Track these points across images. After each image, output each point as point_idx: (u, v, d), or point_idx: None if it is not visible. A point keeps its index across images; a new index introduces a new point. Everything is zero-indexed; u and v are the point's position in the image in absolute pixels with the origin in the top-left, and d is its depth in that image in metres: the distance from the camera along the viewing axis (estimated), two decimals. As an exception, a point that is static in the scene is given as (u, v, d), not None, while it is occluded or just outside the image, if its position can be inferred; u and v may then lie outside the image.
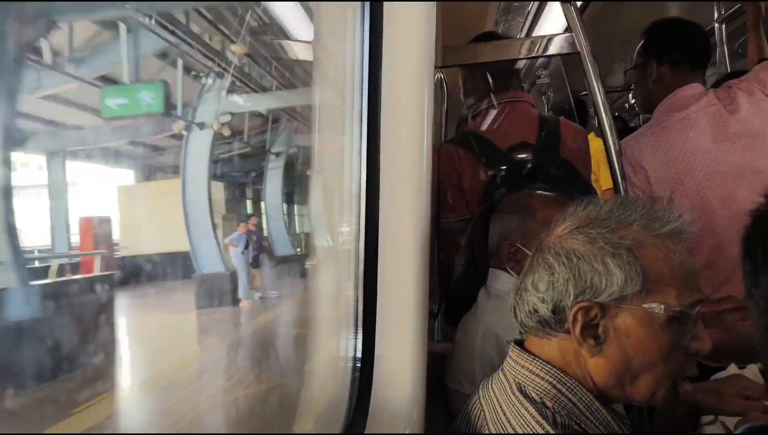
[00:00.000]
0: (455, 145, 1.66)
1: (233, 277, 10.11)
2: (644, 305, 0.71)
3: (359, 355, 0.81)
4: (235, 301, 9.98)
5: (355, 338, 0.82)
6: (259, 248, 10.79)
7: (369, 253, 0.83)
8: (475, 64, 1.65)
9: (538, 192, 1.29)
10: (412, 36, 0.86)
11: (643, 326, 0.71)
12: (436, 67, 1.22)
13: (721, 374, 1.06)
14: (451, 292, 1.73)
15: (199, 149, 10.08)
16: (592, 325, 0.73)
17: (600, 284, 0.72)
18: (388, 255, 0.83)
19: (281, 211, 15.70)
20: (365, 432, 0.75)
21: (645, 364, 0.73)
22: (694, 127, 1.50)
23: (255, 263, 10.59)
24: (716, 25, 2.58)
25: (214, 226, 10.12)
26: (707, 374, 1.06)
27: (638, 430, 1.31)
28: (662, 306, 0.70)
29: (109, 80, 8.28)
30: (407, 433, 0.76)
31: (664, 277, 0.72)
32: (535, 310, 0.77)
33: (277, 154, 15.10)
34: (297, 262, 14.87)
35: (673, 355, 0.73)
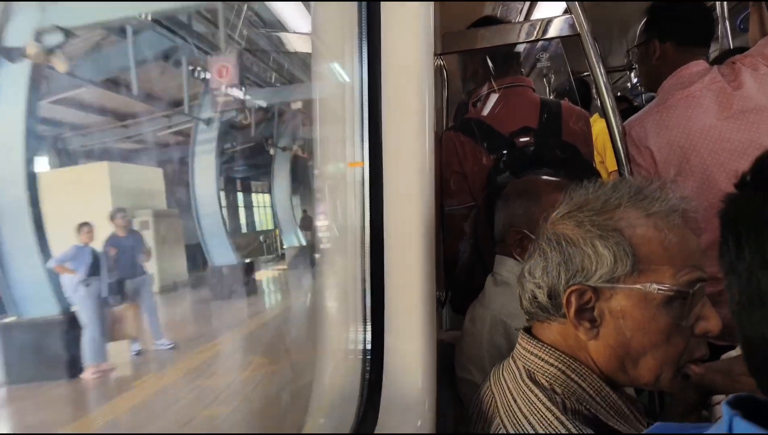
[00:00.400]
0: (456, 131, 1.65)
1: (72, 323, 5.53)
2: (637, 285, 0.70)
3: (368, 347, 0.82)
4: (75, 371, 5.34)
5: (364, 331, 0.82)
6: (128, 269, 6.37)
7: (375, 244, 0.83)
8: (475, 49, 1.64)
9: (544, 177, 1.28)
10: (410, 23, 0.85)
11: (638, 307, 0.71)
12: (435, 54, 1.21)
13: (732, 353, 1.06)
14: (457, 280, 1.73)
15: (6, 97, 5.66)
16: (587, 308, 0.73)
17: (590, 267, 0.72)
18: (394, 245, 0.83)
19: (217, 202, 10.77)
20: (377, 425, 0.75)
21: (645, 345, 0.72)
22: (699, 104, 1.49)
23: (119, 295, 6.15)
24: (717, 1, 2.55)
25: (40, 235, 5.65)
26: (717, 354, 1.05)
27: (650, 412, 1.31)
28: (655, 285, 0.69)
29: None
30: (419, 426, 0.77)
31: (657, 256, 0.71)
32: (534, 297, 0.78)
33: (208, 122, 10.15)
34: (240, 277, 10.23)
35: (675, 336, 0.71)
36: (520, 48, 1.79)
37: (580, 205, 0.76)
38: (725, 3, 2.55)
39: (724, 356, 1.06)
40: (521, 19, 2.68)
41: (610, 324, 0.72)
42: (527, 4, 2.57)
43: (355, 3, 0.87)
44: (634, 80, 3.92)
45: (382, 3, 0.84)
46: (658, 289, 0.69)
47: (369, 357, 0.81)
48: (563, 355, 0.77)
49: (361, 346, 0.82)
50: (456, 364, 1.27)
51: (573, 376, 0.76)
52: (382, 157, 0.84)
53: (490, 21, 1.70)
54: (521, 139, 1.56)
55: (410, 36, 0.86)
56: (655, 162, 1.52)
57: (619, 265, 0.70)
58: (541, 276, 0.76)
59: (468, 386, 1.19)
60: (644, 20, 1.65)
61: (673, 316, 0.70)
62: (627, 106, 2.94)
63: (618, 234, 0.71)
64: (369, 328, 0.82)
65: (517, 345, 0.84)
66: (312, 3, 0.97)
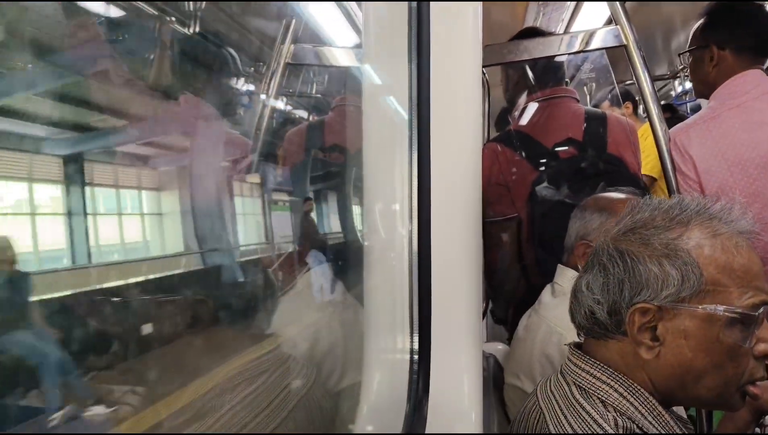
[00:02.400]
0: (498, 143, 1.65)
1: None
2: (702, 306, 0.69)
3: (416, 356, 0.82)
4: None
5: (411, 340, 0.83)
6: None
7: (422, 253, 0.84)
8: (517, 61, 1.63)
9: (625, 196, 1.26)
10: (459, 35, 0.87)
11: (702, 328, 0.70)
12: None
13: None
14: (499, 291, 1.72)
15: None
16: (649, 326, 0.72)
17: (656, 285, 0.70)
18: (441, 256, 0.83)
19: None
20: (425, 433, 0.75)
21: (706, 366, 0.71)
22: (749, 116, 1.43)
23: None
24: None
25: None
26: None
27: (700, 431, 1.27)
28: (721, 307, 0.68)
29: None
30: (467, 434, 0.77)
31: (723, 277, 0.70)
32: (592, 312, 0.76)
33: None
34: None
35: (736, 357, 0.71)
36: (563, 58, 1.77)
37: (645, 221, 0.75)
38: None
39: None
40: (563, 30, 2.66)
41: (672, 343, 0.71)
42: (568, 15, 2.55)
43: (405, 13, 0.88)
44: (678, 89, 3.83)
45: (431, 13, 0.85)
46: (724, 311, 0.68)
47: (417, 366, 0.82)
48: (615, 373, 0.76)
49: (408, 356, 0.83)
50: (505, 370, 1.26)
51: (625, 393, 0.75)
52: (430, 170, 0.84)
53: (532, 33, 1.70)
54: (565, 151, 1.55)
55: (459, 47, 0.87)
56: (698, 172, 1.47)
57: (686, 285, 0.69)
58: (600, 292, 0.75)
59: (515, 393, 1.18)
60: (700, 22, 1.59)
61: (736, 338, 0.69)
62: (670, 115, 2.88)
63: (686, 254, 0.70)
64: (416, 337, 0.83)
65: (567, 360, 0.83)
66: (362, 15, 0.99)
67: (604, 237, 0.78)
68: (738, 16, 1.52)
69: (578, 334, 0.84)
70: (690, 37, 1.61)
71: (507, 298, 1.68)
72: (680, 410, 0.92)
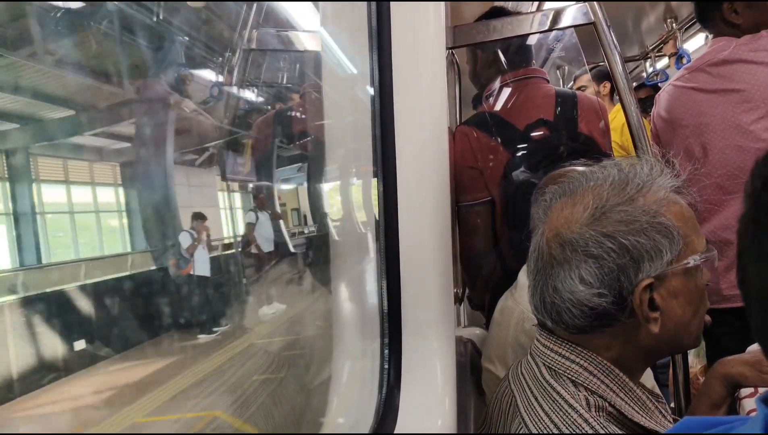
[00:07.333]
0: (470, 126, 1.63)
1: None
2: (684, 262, 0.72)
3: (387, 346, 0.80)
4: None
5: (382, 330, 0.81)
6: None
7: (390, 242, 0.82)
8: (485, 42, 1.61)
9: (582, 168, 1.23)
10: (421, 17, 0.84)
11: (686, 282, 0.73)
12: (447, 48, 1.19)
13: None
14: (475, 276, 1.71)
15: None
16: (651, 298, 0.72)
17: (653, 257, 0.71)
18: (409, 244, 0.82)
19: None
20: (396, 426, 0.74)
21: (692, 314, 0.74)
22: (695, 79, 1.55)
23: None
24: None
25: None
26: (743, 345, 1.03)
27: (675, 407, 1.29)
28: (696, 256, 0.72)
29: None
30: (440, 425, 0.75)
31: (686, 228, 0.73)
32: (591, 308, 0.73)
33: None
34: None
35: (704, 296, 0.76)
36: (533, 39, 1.76)
37: (611, 199, 0.73)
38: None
39: (750, 348, 1.04)
40: (533, 9, 2.64)
41: (667, 307, 0.72)
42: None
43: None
44: (650, 70, 3.84)
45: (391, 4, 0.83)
46: (700, 259, 0.72)
47: (387, 356, 0.80)
48: (585, 352, 0.75)
49: (378, 343, 0.81)
50: (482, 354, 1.25)
51: (595, 371, 0.74)
52: (395, 156, 0.82)
53: (500, 12, 1.67)
54: (537, 132, 1.54)
55: (421, 30, 0.84)
56: (658, 134, 1.64)
57: (673, 247, 0.71)
58: (601, 283, 0.72)
59: (490, 377, 1.17)
60: None
61: (703, 279, 0.75)
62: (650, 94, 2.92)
63: (663, 217, 0.72)
64: (387, 327, 0.81)
65: (535, 341, 0.82)
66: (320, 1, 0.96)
67: (575, 227, 0.74)
68: None
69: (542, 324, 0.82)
70: None
71: (483, 284, 1.67)
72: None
